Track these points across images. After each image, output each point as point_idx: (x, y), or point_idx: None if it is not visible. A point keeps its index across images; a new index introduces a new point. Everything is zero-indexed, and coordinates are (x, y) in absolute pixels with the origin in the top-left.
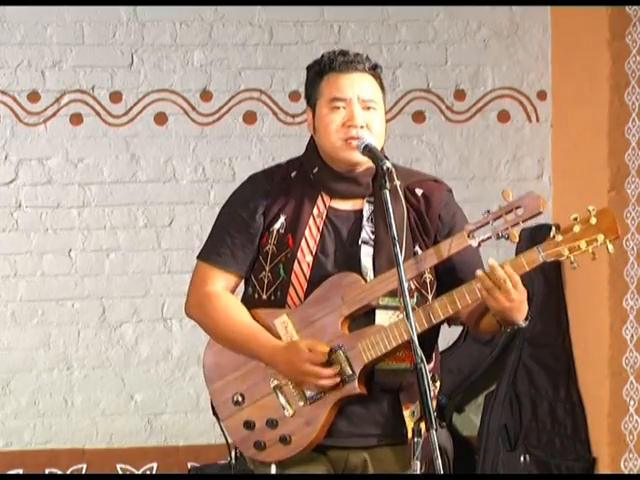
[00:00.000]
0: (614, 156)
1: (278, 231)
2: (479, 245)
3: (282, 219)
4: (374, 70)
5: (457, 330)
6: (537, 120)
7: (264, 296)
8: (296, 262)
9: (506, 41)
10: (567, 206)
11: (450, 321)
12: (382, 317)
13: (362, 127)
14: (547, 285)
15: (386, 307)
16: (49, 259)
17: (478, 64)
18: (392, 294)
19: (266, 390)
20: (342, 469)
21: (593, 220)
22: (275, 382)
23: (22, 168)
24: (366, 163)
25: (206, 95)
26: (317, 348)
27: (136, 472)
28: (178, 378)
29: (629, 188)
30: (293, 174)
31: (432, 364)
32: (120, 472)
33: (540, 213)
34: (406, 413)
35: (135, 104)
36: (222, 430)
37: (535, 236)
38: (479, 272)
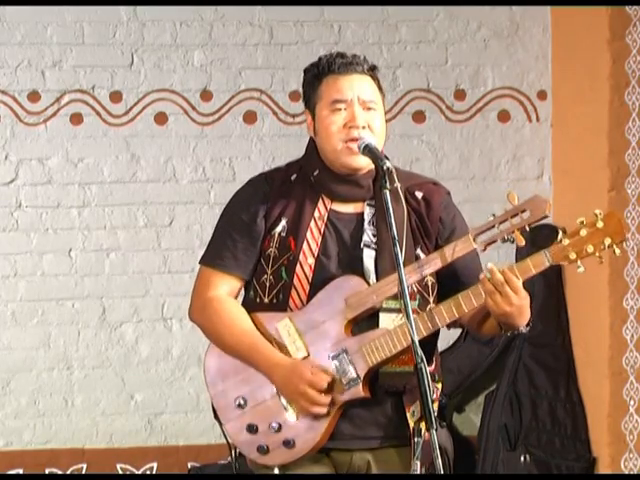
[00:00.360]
0: (614, 156)
1: (280, 234)
2: (484, 249)
3: (283, 222)
4: (372, 71)
5: (457, 330)
6: (537, 120)
7: (266, 299)
8: (298, 265)
9: (506, 41)
10: (567, 206)
11: (450, 324)
12: (386, 320)
13: (363, 127)
14: (547, 285)
15: (389, 310)
16: (49, 259)
17: (478, 64)
18: (396, 297)
19: (269, 394)
20: (346, 471)
21: (600, 224)
22: None
23: (22, 168)
24: (367, 166)
25: (206, 95)
26: (319, 373)
27: (136, 472)
28: (178, 378)
29: (629, 188)
30: (293, 177)
31: (433, 366)
32: (120, 472)
33: (546, 217)
34: (408, 415)
35: (135, 104)
36: (224, 433)
37: (535, 237)
38: (482, 275)
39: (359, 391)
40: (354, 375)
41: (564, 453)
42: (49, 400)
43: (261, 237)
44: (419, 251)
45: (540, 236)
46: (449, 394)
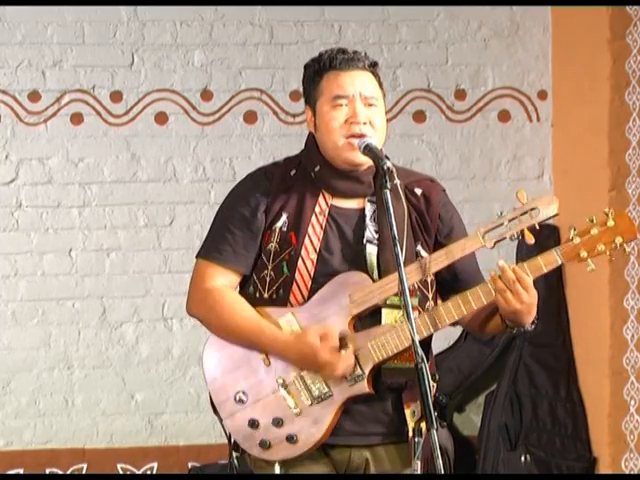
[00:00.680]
0: (615, 156)
1: (281, 229)
2: (493, 246)
3: (284, 217)
4: (373, 67)
5: (457, 330)
6: (537, 120)
7: (265, 295)
8: (300, 260)
9: (507, 41)
10: (568, 206)
11: (453, 322)
12: (389, 316)
13: (365, 123)
14: (548, 285)
15: (393, 306)
16: (49, 259)
17: (478, 64)
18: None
19: (271, 388)
20: (344, 469)
21: (611, 222)
22: (281, 380)
23: (22, 168)
24: (367, 162)
25: (206, 95)
26: (327, 332)
27: (136, 472)
28: (178, 378)
29: (630, 188)
30: (292, 172)
31: (429, 363)
32: (120, 472)
33: (556, 215)
34: (407, 412)
35: (135, 104)
36: (223, 429)
37: (536, 237)
38: (492, 272)
39: (364, 387)
40: (359, 371)
41: (564, 453)
42: (49, 400)
43: (261, 232)
44: (420, 247)
45: (540, 236)
46: (449, 394)
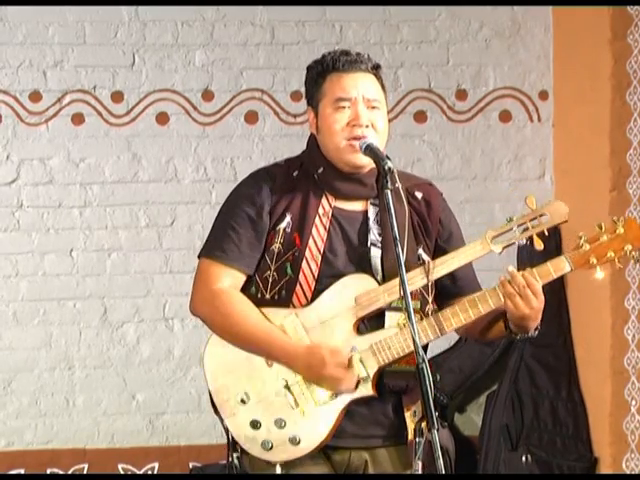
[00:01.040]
0: (616, 156)
1: (284, 230)
2: (502, 251)
3: (288, 218)
4: (376, 70)
5: None
6: (539, 120)
7: (267, 295)
8: (304, 261)
9: (508, 41)
10: (569, 206)
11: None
12: (392, 319)
13: (367, 126)
14: (548, 285)
15: (396, 309)
16: (51, 259)
17: (480, 64)
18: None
19: (274, 389)
20: (344, 470)
21: (620, 230)
22: (284, 382)
23: (24, 168)
24: (369, 164)
25: (208, 95)
26: (337, 350)
27: (137, 472)
28: (180, 378)
29: (631, 188)
30: (295, 173)
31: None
32: (122, 472)
33: (565, 221)
34: (407, 414)
35: (137, 104)
36: (225, 429)
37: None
38: (502, 277)
39: (369, 389)
40: (364, 373)
41: (565, 453)
42: (50, 400)
43: (266, 232)
44: (421, 251)
45: (543, 239)
46: (451, 394)
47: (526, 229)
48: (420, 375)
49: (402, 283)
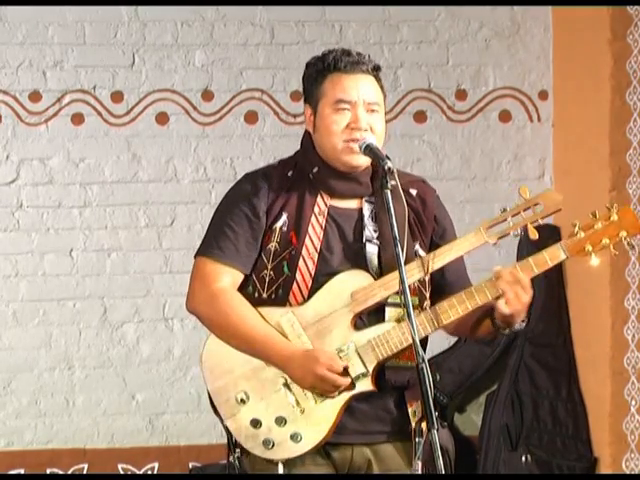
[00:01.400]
0: (615, 156)
1: (281, 229)
2: (496, 242)
3: (284, 217)
4: (376, 71)
5: None
6: (538, 120)
7: (264, 295)
8: (301, 259)
9: (507, 41)
10: (568, 206)
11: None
12: (392, 314)
13: (366, 130)
14: (548, 285)
15: (396, 304)
16: (50, 259)
17: (479, 64)
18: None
19: (274, 388)
20: (346, 469)
21: (614, 217)
22: (283, 380)
23: (23, 168)
24: (365, 164)
25: (207, 95)
26: (334, 357)
27: (137, 472)
28: (179, 378)
29: (630, 188)
30: (289, 173)
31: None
32: (121, 472)
33: (559, 210)
34: (410, 410)
35: (136, 104)
36: (225, 429)
37: (539, 235)
38: (495, 273)
39: (368, 384)
40: (363, 369)
41: (565, 453)
42: (50, 400)
43: (262, 232)
44: (418, 247)
45: (541, 237)
46: (450, 394)
47: (520, 219)
48: (420, 375)
49: (402, 283)
